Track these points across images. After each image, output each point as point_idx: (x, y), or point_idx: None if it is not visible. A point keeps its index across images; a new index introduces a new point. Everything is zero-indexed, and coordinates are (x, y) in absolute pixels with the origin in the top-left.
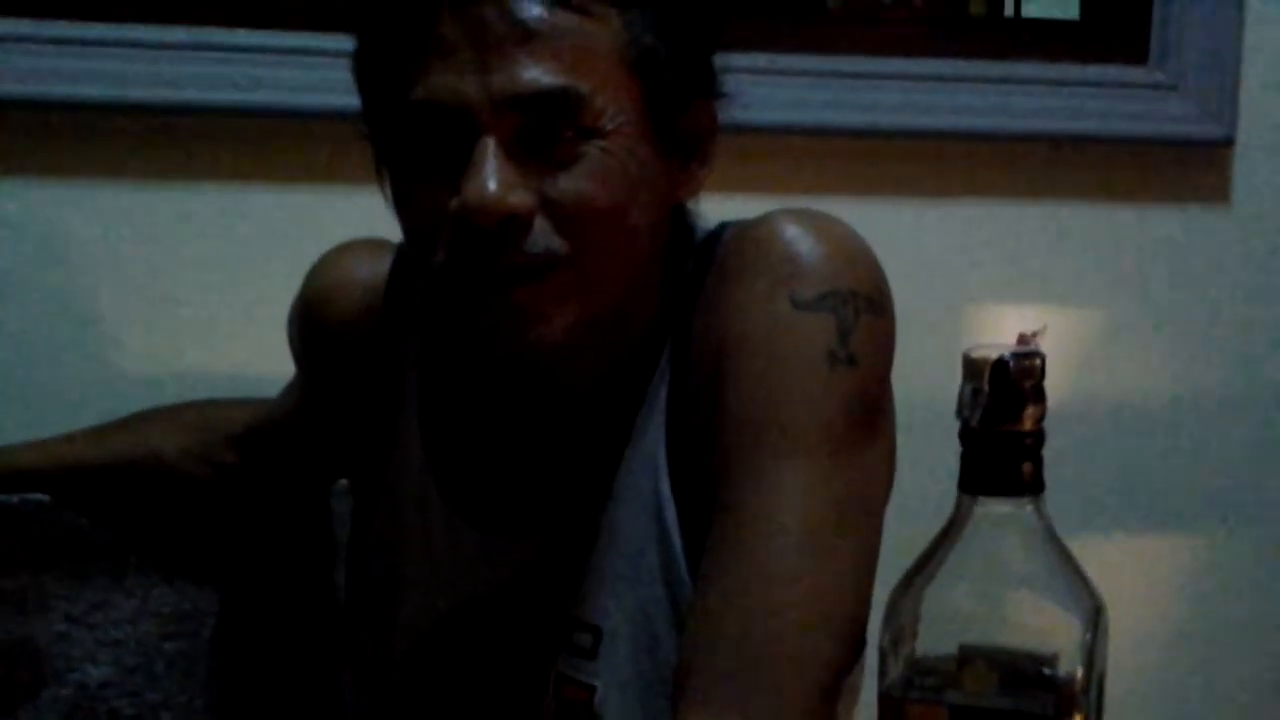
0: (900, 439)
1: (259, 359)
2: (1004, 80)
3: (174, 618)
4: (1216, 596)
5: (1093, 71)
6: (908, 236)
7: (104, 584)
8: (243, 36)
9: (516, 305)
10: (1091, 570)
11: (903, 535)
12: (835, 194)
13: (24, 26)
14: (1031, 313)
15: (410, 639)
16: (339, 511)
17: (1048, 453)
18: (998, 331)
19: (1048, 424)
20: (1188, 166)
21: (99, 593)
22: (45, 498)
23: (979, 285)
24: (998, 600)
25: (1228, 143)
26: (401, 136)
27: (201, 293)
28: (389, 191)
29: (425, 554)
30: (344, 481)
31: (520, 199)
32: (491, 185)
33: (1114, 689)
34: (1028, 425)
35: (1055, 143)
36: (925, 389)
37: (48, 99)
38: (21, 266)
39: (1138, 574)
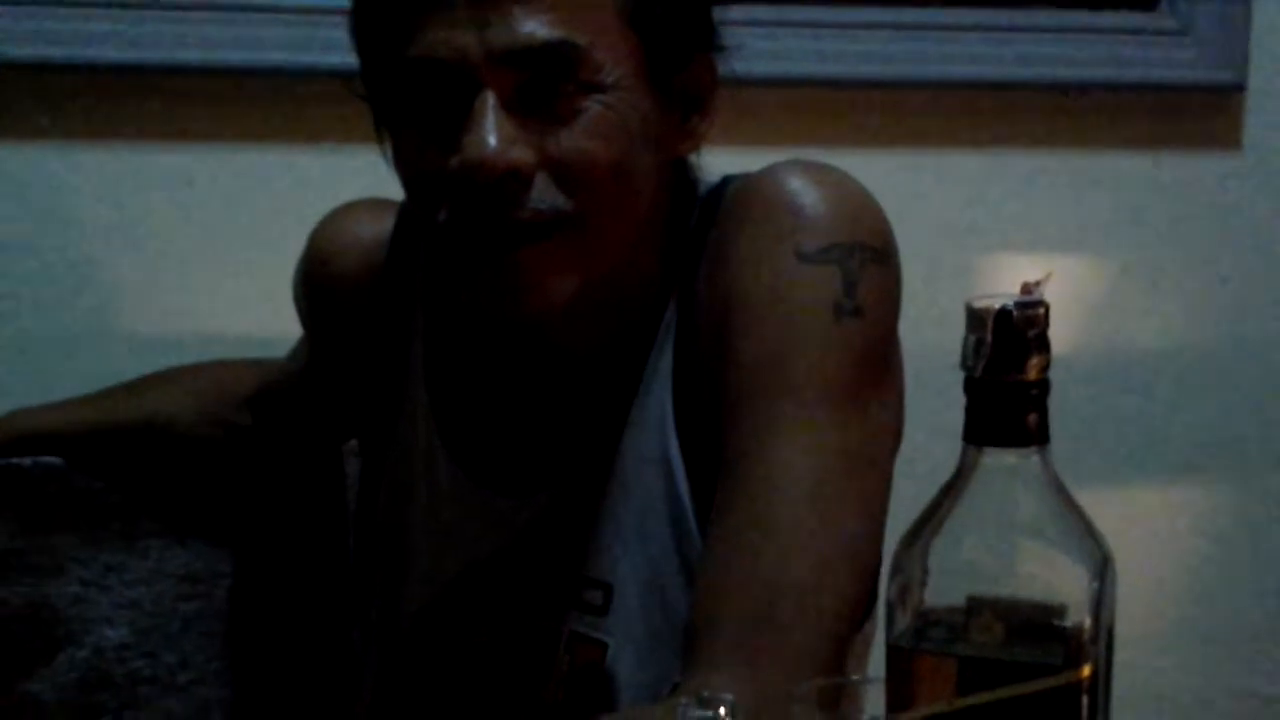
0: (908, 391)
1: (268, 320)
2: (1013, 28)
3: (189, 579)
4: (1225, 545)
5: (1103, 18)
6: (915, 188)
7: (118, 546)
8: None
9: (521, 265)
10: (1099, 521)
11: (911, 488)
12: (841, 146)
13: None
14: (1041, 263)
15: (420, 599)
16: (350, 473)
17: (1055, 403)
18: (1007, 282)
19: (1056, 375)
20: (1199, 113)
21: (113, 555)
22: (58, 461)
23: (988, 236)
24: (1005, 551)
25: (1239, 88)
26: (400, 95)
27: (210, 254)
28: (390, 152)
29: (433, 514)
30: (354, 442)
31: (521, 154)
32: (492, 140)
33: (1122, 639)
34: (1032, 375)
35: (1065, 90)
36: (933, 340)
37: (55, 61)
38: (29, 230)
39: (1146, 524)
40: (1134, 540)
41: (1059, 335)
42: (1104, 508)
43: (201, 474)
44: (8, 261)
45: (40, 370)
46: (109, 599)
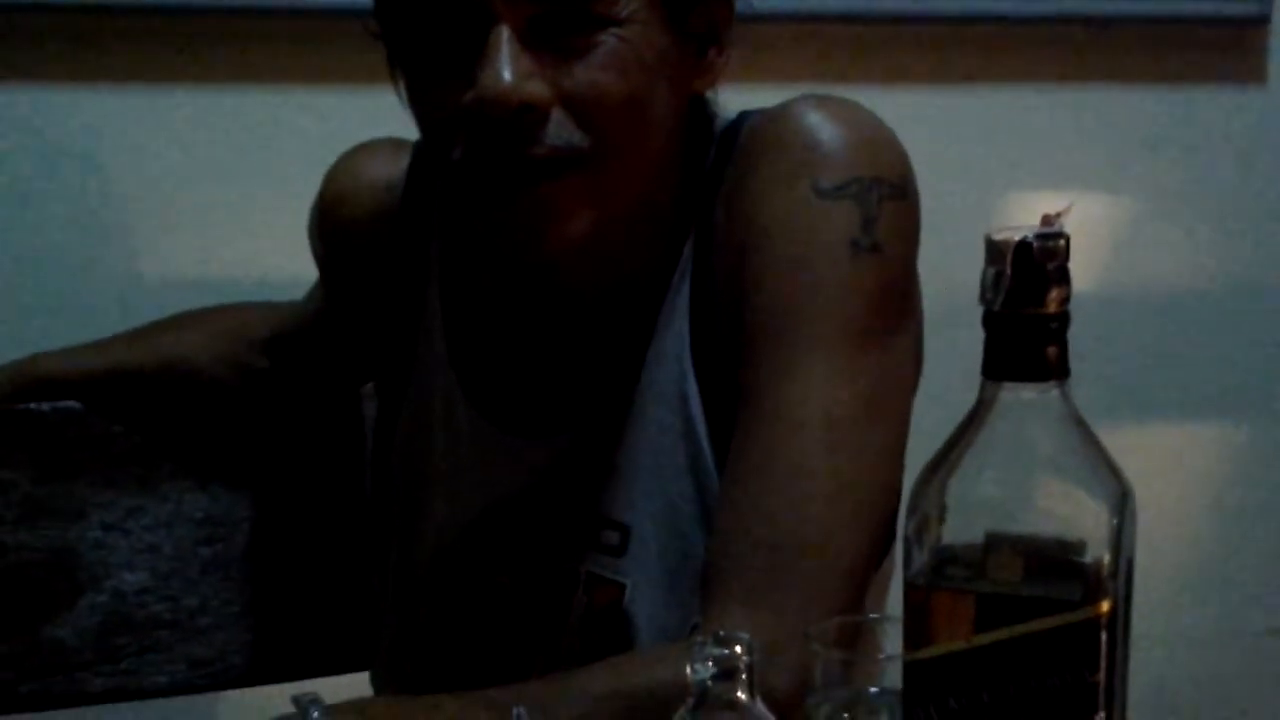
0: (927, 328)
1: (284, 262)
2: None
3: (208, 522)
4: (1246, 483)
5: None
6: (935, 123)
7: (138, 490)
8: None
9: (537, 202)
10: (1120, 457)
11: (930, 425)
12: (859, 82)
13: None
14: (1062, 199)
15: (437, 541)
16: (367, 416)
17: (1078, 339)
18: (1028, 218)
19: (1078, 311)
20: (1222, 46)
21: (133, 499)
22: (77, 405)
23: (1009, 171)
24: (1023, 487)
25: (1263, 20)
26: (413, 31)
27: (226, 196)
28: (403, 90)
29: (451, 455)
30: (372, 385)
31: (536, 88)
32: (506, 75)
33: (1142, 575)
34: (1052, 308)
35: (1086, 23)
36: (953, 277)
37: (66, 3)
38: (44, 174)
39: (1168, 461)
40: (1155, 477)
41: (1081, 272)
42: (1125, 444)
43: (220, 418)
44: (28, 208)
45: (57, 316)
46: (129, 543)
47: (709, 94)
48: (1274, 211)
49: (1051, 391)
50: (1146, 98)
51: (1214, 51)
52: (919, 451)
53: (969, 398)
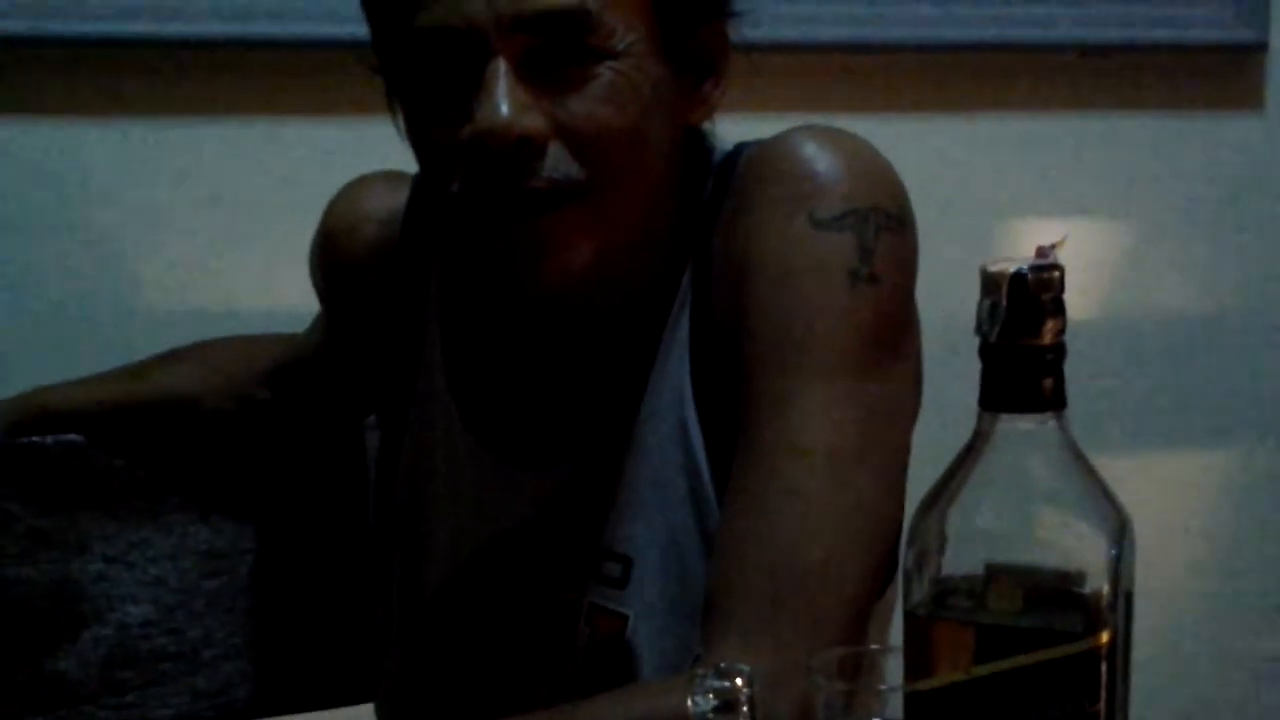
0: (926, 358)
1: (285, 294)
2: None
3: (212, 555)
4: (1247, 512)
5: None
6: (933, 152)
7: (141, 523)
8: None
9: (536, 234)
10: (1120, 487)
11: (932, 455)
12: (856, 112)
13: None
14: (1060, 227)
15: (440, 573)
16: (371, 447)
17: (1078, 367)
18: (1025, 247)
19: (1075, 339)
20: (1220, 73)
21: (136, 532)
22: (79, 438)
23: (1007, 200)
24: (1022, 518)
25: (1261, 47)
26: (411, 65)
27: (226, 228)
28: (402, 123)
29: (452, 487)
30: (374, 417)
31: (534, 121)
32: (504, 108)
33: (1141, 604)
34: (1047, 339)
35: (1083, 51)
36: (952, 307)
37: (67, 36)
38: (45, 206)
39: (1168, 490)
40: (1155, 507)
41: (1078, 301)
42: (1125, 474)
43: (223, 450)
44: (28, 239)
45: (58, 348)
46: (133, 576)
47: (706, 125)
48: (1273, 238)
49: (1049, 422)
50: (1144, 125)
51: (1212, 78)
52: (919, 482)
53: (967, 428)
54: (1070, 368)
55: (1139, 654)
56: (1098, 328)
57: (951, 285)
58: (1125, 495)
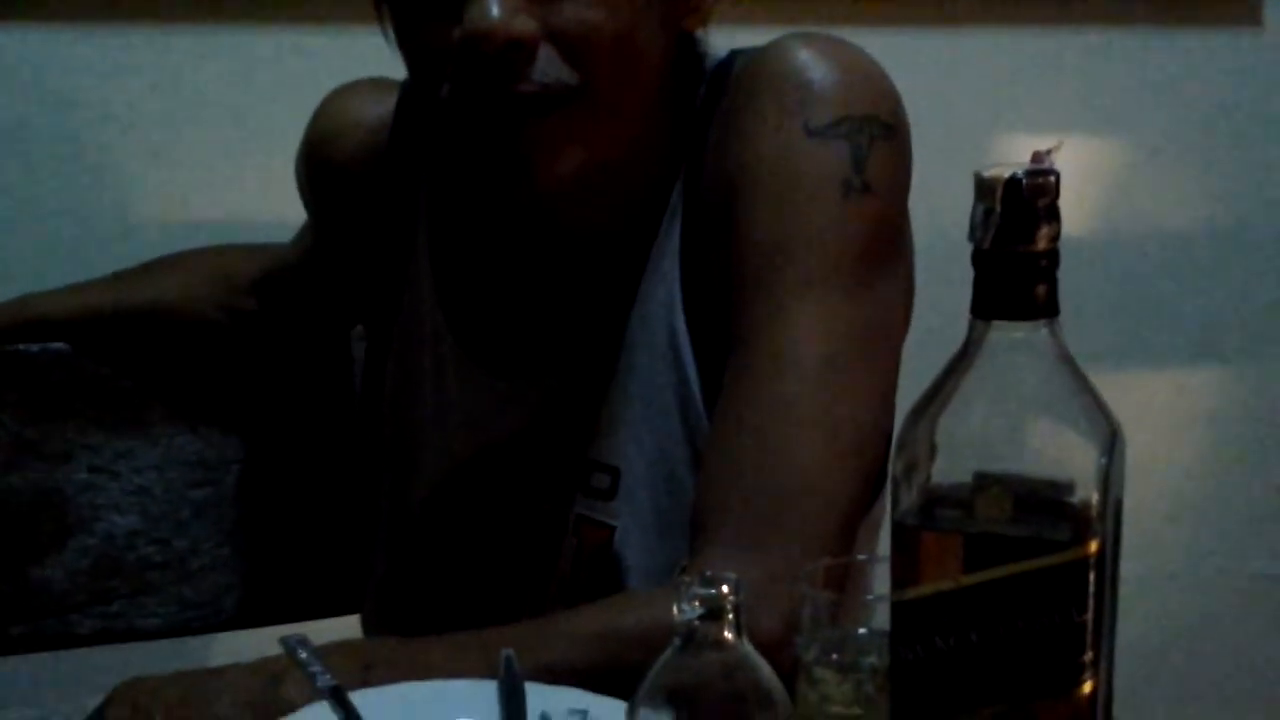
0: (919, 268)
1: (274, 203)
2: None
3: (199, 465)
4: (1236, 426)
5: None
6: (928, 66)
7: (127, 433)
8: None
9: (526, 140)
10: (1112, 400)
11: (920, 366)
12: (852, 24)
13: None
14: (1053, 141)
15: (429, 483)
16: (358, 358)
17: (1073, 281)
18: (1019, 160)
19: (1069, 253)
20: None
21: (123, 441)
22: (65, 346)
23: (1004, 112)
24: (1012, 426)
25: None
26: None
27: (216, 137)
28: (390, 30)
29: (439, 399)
30: (361, 328)
31: (524, 24)
32: (494, 10)
33: (1131, 516)
34: (1041, 245)
35: None
36: (945, 218)
37: None
38: (29, 116)
39: (1159, 403)
40: (1145, 419)
41: (1072, 215)
42: (1117, 387)
43: (209, 360)
44: (18, 145)
45: (45, 257)
46: (119, 486)
47: (700, 33)
48: (1266, 156)
49: (1041, 330)
50: (1140, 41)
51: None
52: (908, 392)
53: (958, 338)
54: (1062, 279)
55: (1127, 566)
56: (1090, 241)
57: (943, 195)
58: (1117, 406)
